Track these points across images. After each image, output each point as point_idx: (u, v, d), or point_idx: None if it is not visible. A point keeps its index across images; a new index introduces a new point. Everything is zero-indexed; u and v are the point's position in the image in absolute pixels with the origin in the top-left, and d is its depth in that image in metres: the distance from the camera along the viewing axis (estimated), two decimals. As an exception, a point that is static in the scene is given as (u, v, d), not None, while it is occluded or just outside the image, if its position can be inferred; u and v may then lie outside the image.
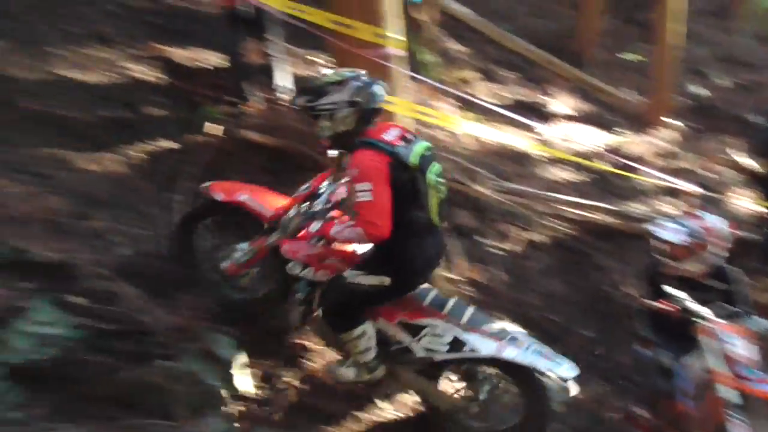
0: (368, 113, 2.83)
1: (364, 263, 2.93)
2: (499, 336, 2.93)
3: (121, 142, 4.22)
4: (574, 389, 2.91)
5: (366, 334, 2.95)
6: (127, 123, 4.38)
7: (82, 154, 4.00)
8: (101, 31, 4.94)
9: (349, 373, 3.09)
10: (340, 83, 2.82)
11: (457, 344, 2.94)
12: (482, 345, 2.91)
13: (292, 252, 3.08)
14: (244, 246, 3.19)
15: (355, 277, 2.88)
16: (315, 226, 3.03)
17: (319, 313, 3.10)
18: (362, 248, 3.03)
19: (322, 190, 3.12)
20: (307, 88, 3.16)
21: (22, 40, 4.53)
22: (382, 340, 3.02)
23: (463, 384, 3.16)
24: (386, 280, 2.86)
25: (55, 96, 4.20)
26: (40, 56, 4.46)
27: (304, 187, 3.17)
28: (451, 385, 3.19)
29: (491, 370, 3.08)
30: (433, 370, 3.10)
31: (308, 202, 3.09)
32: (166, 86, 4.78)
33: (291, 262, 3.10)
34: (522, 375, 2.96)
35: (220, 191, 3.31)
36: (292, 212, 3.08)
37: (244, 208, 3.25)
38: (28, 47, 4.49)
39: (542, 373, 2.89)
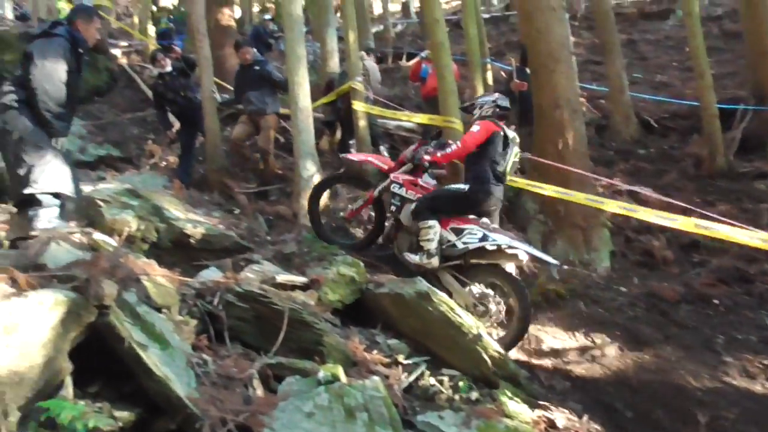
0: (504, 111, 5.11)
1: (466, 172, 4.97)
2: (512, 237, 4.71)
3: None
4: (555, 272, 4.93)
5: (434, 227, 4.69)
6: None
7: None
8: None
9: (414, 257, 4.78)
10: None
11: (484, 239, 4.61)
12: (501, 239, 4.61)
13: (397, 177, 5.13)
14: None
15: (451, 184, 5.09)
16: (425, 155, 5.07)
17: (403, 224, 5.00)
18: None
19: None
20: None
21: (690, 346, 4.70)
22: (439, 240, 4.72)
23: (479, 293, 4.61)
24: (465, 188, 4.82)
25: (725, 406, 4.05)
26: (709, 363, 4.49)
27: (408, 150, 5.34)
28: (472, 292, 4.66)
29: (498, 281, 4.62)
30: (463, 274, 4.73)
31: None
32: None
33: (395, 185, 5.10)
34: (518, 286, 4.54)
35: (355, 156, 5.96)
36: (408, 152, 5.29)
37: (370, 165, 5.65)
38: (697, 354, 4.61)
39: (538, 258, 4.77)
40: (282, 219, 6.26)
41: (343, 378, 2.92)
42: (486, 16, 14.56)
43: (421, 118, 7.17)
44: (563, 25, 6.07)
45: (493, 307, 4.54)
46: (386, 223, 5.27)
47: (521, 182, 5.72)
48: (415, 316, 4.03)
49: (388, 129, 8.90)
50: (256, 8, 18.31)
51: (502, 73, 11.25)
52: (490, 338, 4.01)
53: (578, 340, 4.84)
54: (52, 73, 3.93)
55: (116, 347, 2.62)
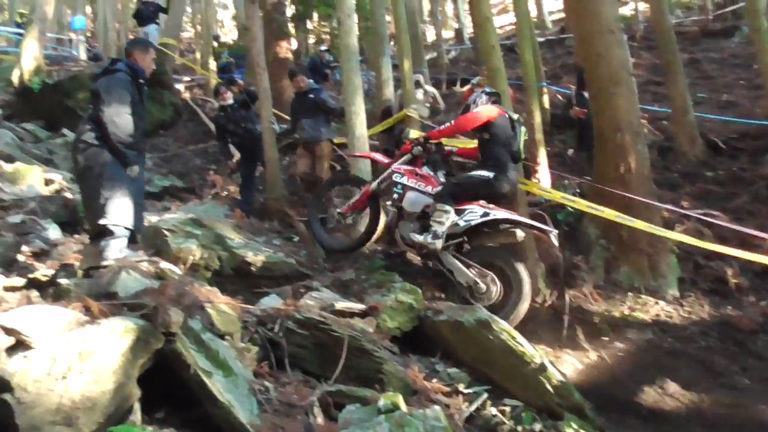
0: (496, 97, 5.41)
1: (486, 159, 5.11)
2: (510, 212, 5.02)
3: None
4: (555, 239, 4.97)
5: (449, 213, 4.85)
6: None
7: None
8: None
9: (419, 237, 4.92)
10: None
11: (485, 215, 4.88)
12: (501, 213, 4.91)
13: (399, 167, 5.35)
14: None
15: (475, 170, 5.13)
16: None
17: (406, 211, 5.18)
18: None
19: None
20: None
21: None
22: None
23: (479, 273, 4.86)
24: (490, 174, 4.95)
25: None
26: None
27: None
28: (473, 271, 4.90)
29: (498, 262, 4.89)
30: (465, 254, 5.03)
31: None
32: None
33: (396, 174, 5.31)
34: (517, 268, 4.81)
35: (358, 153, 6.20)
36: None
37: (371, 160, 6.07)
38: None
39: (538, 228, 5.03)
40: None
41: (404, 407, 2.88)
42: (541, 39, 14.47)
43: (477, 144, 7.15)
44: (622, 46, 5.94)
45: (492, 287, 4.80)
46: (384, 216, 5.55)
47: (581, 204, 5.59)
48: (475, 345, 3.97)
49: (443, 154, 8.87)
50: (312, 40, 18.80)
51: (559, 97, 11.13)
52: (554, 368, 3.89)
53: (646, 370, 4.64)
54: (118, 106, 4.15)
55: (182, 374, 2.68)
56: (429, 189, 5.17)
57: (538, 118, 7.47)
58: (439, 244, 4.82)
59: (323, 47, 15.02)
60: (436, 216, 4.85)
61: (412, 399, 3.37)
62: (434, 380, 3.73)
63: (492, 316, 4.04)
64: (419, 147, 5.36)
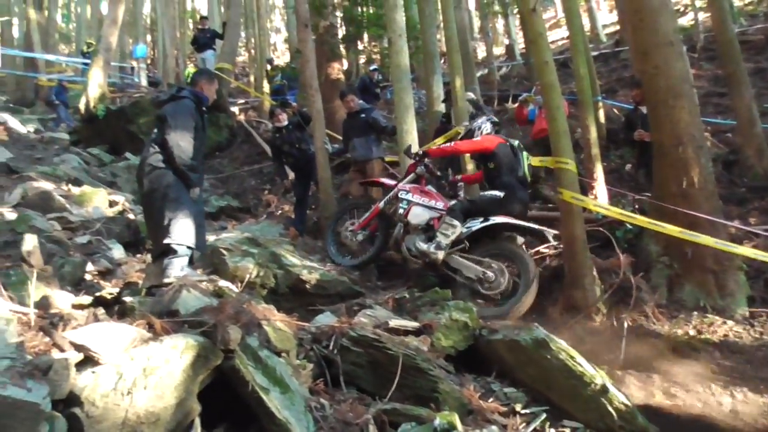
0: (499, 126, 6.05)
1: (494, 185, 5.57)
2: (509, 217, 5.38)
3: None
4: (550, 237, 5.44)
5: (456, 229, 5.28)
6: None
7: None
8: None
9: (423, 245, 5.34)
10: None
11: (486, 221, 5.31)
12: (499, 219, 5.30)
13: (404, 186, 5.81)
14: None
15: (486, 192, 5.61)
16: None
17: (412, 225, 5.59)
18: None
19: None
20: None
21: None
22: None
23: (486, 267, 5.29)
24: (500, 194, 5.40)
25: None
26: None
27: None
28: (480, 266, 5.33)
29: (505, 255, 5.34)
30: (473, 252, 5.42)
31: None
32: None
33: (402, 192, 5.73)
34: (524, 261, 5.23)
35: (368, 179, 6.86)
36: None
37: (380, 184, 6.45)
38: None
39: (535, 231, 5.47)
40: (393, 264, 6.31)
41: (460, 426, 2.84)
42: (595, 53, 14.22)
43: (532, 160, 7.06)
44: (682, 58, 5.77)
45: (501, 278, 5.22)
46: (392, 232, 5.88)
47: (641, 220, 5.42)
48: (533, 364, 3.87)
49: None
50: (362, 60, 19.05)
51: (615, 111, 10.88)
52: (616, 390, 3.75)
53: (716, 394, 4.41)
54: (183, 131, 4.32)
55: (240, 390, 2.72)
56: (432, 203, 5.66)
57: (593, 134, 7.30)
58: (440, 255, 5.27)
59: (372, 66, 15.21)
60: (443, 228, 5.32)
61: (468, 419, 3.32)
62: (490, 400, 3.66)
63: (549, 335, 3.94)
64: (423, 167, 5.84)
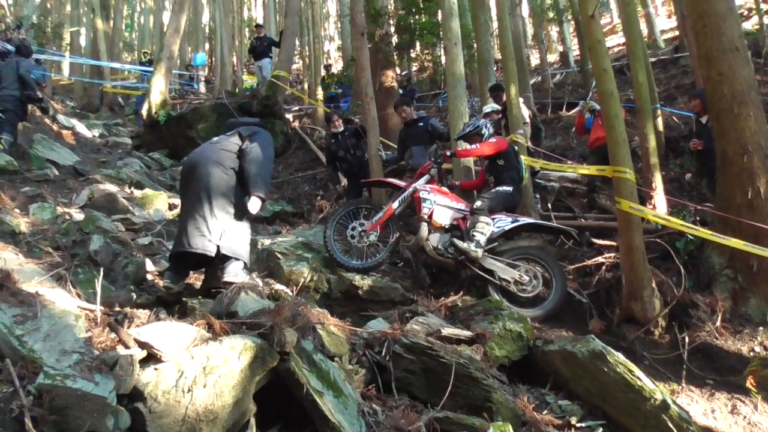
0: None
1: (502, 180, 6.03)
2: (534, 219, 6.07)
3: None
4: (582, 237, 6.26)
5: (490, 224, 5.59)
6: None
7: None
8: None
9: (463, 244, 5.51)
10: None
11: (515, 222, 5.70)
12: (527, 219, 5.84)
13: (424, 186, 5.89)
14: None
15: (498, 187, 5.97)
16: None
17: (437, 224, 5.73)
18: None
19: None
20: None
21: None
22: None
23: (520, 270, 5.56)
24: (511, 188, 5.92)
25: None
26: None
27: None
28: (514, 269, 5.57)
29: (537, 258, 5.60)
30: (502, 255, 5.67)
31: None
32: None
33: (422, 192, 5.79)
34: (555, 263, 5.61)
35: (374, 179, 7.01)
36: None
37: (390, 185, 6.52)
38: None
39: (561, 231, 6.07)
40: (445, 272, 6.28)
41: (514, 438, 2.80)
42: (653, 59, 13.84)
43: (589, 169, 6.91)
44: (748, 64, 5.54)
45: (534, 280, 5.49)
46: (398, 234, 5.98)
47: (703, 232, 5.23)
48: (589, 377, 3.79)
49: (550, 180, 8.68)
50: (414, 68, 19.08)
51: (674, 119, 10.56)
52: (677, 406, 3.63)
53: (783, 415, 4.21)
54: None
55: (295, 392, 2.76)
56: (455, 204, 5.87)
57: (652, 142, 7.09)
58: (480, 252, 5.50)
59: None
60: (479, 227, 5.54)
61: (521, 430, 3.27)
62: (545, 412, 3.59)
63: (606, 348, 3.84)
64: (436, 169, 6.00)
